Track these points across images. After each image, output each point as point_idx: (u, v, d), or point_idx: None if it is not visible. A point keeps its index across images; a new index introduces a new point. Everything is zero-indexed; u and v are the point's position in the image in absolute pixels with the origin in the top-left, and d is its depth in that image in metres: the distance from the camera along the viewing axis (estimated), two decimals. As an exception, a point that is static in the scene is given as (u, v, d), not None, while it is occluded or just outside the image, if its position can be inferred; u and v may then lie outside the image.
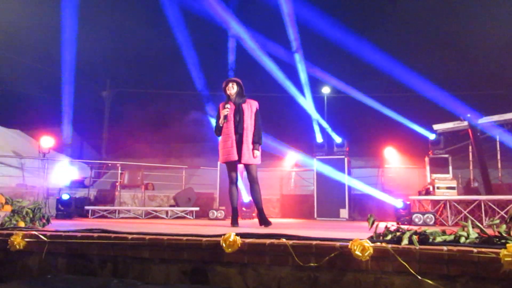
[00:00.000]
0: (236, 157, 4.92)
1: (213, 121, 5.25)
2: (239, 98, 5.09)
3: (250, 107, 5.08)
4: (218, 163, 8.89)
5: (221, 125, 5.02)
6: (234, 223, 4.99)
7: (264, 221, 4.98)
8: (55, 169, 9.38)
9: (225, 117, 4.96)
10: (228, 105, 5.02)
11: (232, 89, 5.08)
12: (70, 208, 7.84)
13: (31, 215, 3.83)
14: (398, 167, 10.47)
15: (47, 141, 9.41)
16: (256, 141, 5.00)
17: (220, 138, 5.13)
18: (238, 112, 5.01)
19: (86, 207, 8.38)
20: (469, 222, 2.36)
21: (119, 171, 9.26)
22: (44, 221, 4.00)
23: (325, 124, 9.63)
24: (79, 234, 2.95)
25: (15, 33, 13.48)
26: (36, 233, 3.01)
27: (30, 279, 2.80)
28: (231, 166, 5.08)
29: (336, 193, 8.16)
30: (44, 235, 2.98)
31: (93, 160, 10.66)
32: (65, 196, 7.85)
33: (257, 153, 5.00)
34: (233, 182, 5.11)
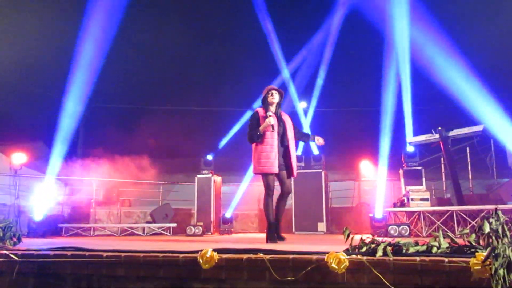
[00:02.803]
0: (277, 170, 4.68)
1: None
2: (278, 109, 4.91)
3: (289, 119, 4.96)
4: (196, 178, 8.84)
5: (261, 133, 4.69)
6: (272, 239, 4.59)
7: (279, 236, 4.74)
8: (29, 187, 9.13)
9: (272, 126, 4.67)
10: (270, 113, 4.76)
11: (275, 98, 4.85)
12: (43, 226, 7.64)
13: (0, 234, 3.71)
14: (374, 180, 10.61)
15: (18, 157, 9.16)
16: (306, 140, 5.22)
17: (258, 147, 4.76)
18: (281, 124, 4.83)
19: (60, 225, 8.17)
20: (440, 232, 2.43)
21: (94, 188, 9.09)
22: (15, 240, 3.87)
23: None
24: (52, 253, 2.88)
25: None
26: (6, 252, 2.92)
27: (-1, 301, 2.71)
28: (271, 178, 4.75)
29: (313, 206, 8.21)
30: (15, 254, 2.89)
31: (67, 177, 10.41)
32: (38, 217, 7.64)
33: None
34: (270, 194, 4.76)
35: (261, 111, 4.87)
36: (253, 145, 4.85)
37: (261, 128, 4.70)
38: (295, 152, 4.93)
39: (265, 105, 4.89)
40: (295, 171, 4.86)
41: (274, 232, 4.67)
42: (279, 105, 4.94)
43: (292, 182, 8.53)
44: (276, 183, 4.83)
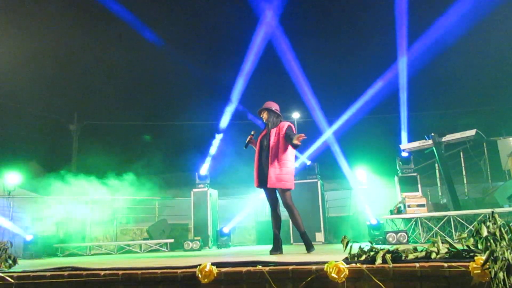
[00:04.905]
0: (256, 183, 4.92)
1: None
2: (273, 124, 4.97)
3: (278, 132, 4.88)
4: (192, 192, 8.82)
5: (244, 148, 5.10)
6: (274, 250, 4.79)
7: (307, 245, 4.72)
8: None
9: (246, 144, 5.05)
10: (252, 132, 5.08)
11: (264, 118, 5.03)
12: (38, 247, 7.53)
13: (-4, 257, 3.66)
14: (369, 188, 10.61)
15: (12, 178, 9.06)
16: (290, 142, 4.73)
17: None
18: (266, 139, 4.93)
19: (55, 245, 8.06)
20: (439, 237, 2.43)
21: (90, 206, 9.01)
22: (11, 262, 3.81)
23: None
24: (48, 274, 2.84)
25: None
26: (1, 275, 2.87)
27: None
28: (266, 193, 4.99)
29: (311, 217, 8.18)
30: (11, 277, 2.85)
31: (61, 196, 10.31)
32: (29, 237, 7.51)
33: (285, 177, 4.77)
34: (270, 207, 5.07)
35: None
36: None
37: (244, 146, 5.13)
38: (276, 161, 4.76)
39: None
40: (270, 181, 4.73)
41: (276, 243, 4.88)
42: (273, 120, 4.97)
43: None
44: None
